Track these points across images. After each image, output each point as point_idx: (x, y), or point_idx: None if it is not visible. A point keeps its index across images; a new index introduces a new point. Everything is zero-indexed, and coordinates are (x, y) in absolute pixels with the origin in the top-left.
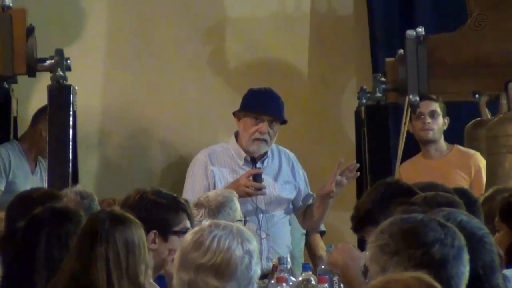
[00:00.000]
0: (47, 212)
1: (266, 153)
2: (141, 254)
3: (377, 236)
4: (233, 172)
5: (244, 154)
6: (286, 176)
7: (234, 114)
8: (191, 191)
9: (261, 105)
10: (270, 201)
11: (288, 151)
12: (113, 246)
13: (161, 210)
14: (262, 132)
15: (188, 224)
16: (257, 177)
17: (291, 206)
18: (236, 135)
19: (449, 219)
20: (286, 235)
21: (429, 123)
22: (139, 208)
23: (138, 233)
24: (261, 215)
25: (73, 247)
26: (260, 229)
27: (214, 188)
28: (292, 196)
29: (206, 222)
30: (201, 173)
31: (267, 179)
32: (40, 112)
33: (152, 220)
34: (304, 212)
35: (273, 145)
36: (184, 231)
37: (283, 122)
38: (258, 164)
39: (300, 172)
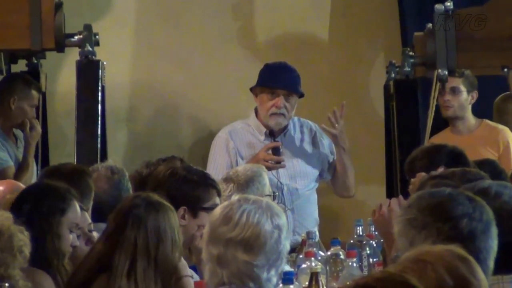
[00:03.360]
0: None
1: (287, 126)
2: (175, 241)
3: (405, 211)
4: (254, 147)
5: (264, 129)
6: (309, 148)
7: (252, 90)
8: (214, 169)
9: (275, 79)
10: (293, 174)
11: (310, 122)
12: (143, 233)
13: (191, 186)
14: (278, 107)
15: (217, 200)
16: (275, 151)
17: (316, 179)
18: (256, 111)
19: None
20: (312, 208)
21: (448, 100)
22: (169, 184)
23: (172, 220)
24: (285, 188)
25: (105, 229)
26: (283, 202)
27: (237, 164)
28: (316, 169)
29: (235, 197)
30: (223, 151)
31: (288, 153)
32: (1, 85)
33: (182, 196)
34: (333, 178)
35: (295, 118)
36: (213, 208)
37: (301, 95)
38: (280, 138)
39: (324, 142)
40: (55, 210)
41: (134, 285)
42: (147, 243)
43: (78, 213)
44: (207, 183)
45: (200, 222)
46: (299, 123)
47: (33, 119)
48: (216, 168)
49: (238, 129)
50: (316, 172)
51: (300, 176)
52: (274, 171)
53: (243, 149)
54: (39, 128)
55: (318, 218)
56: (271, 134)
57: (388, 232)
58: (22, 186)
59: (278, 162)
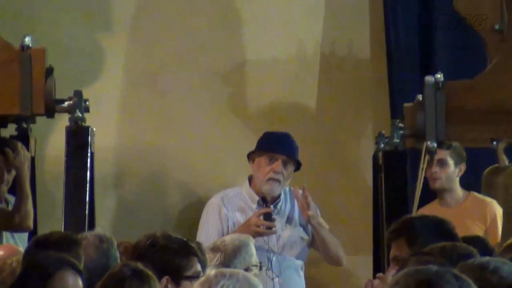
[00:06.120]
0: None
1: (279, 196)
2: None
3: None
4: (246, 215)
5: (257, 198)
6: (300, 218)
7: (249, 156)
8: (205, 236)
9: (275, 145)
10: (283, 244)
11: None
12: None
13: (172, 255)
14: (276, 172)
15: (199, 268)
16: (267, 217)
17: (306, 249)
18: (250, 179)
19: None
20: (299, 280)
21: (436, 172)
22: (150, 254)
23: None
24: (273, 257)
25: None
26: (271, 270)
27: (228, 231)
28: (307, 238)
29: (211, 272)
30: (216, 217)
31: (278, 224)
32: None
33: (163, 266)
34: (318, 249)
35: (287, 188)
36: (196, 276)
37: (298, 167)
38: (272, 207)
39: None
40: (35, 282)
41: None
42: None
43: (68, 282)
44: (188, 251)
45: None
46: (291, 193)
47: (16, 144)
48: (207, 234)
49: (231, 196)
50: (305, 243)
51: (290, 245)
52: (265, 238)
53: (235, 216)
54: (23, 151)
55: None
56: (264, 202)
57: None
58: (20, 250)
59: (270, 228)
